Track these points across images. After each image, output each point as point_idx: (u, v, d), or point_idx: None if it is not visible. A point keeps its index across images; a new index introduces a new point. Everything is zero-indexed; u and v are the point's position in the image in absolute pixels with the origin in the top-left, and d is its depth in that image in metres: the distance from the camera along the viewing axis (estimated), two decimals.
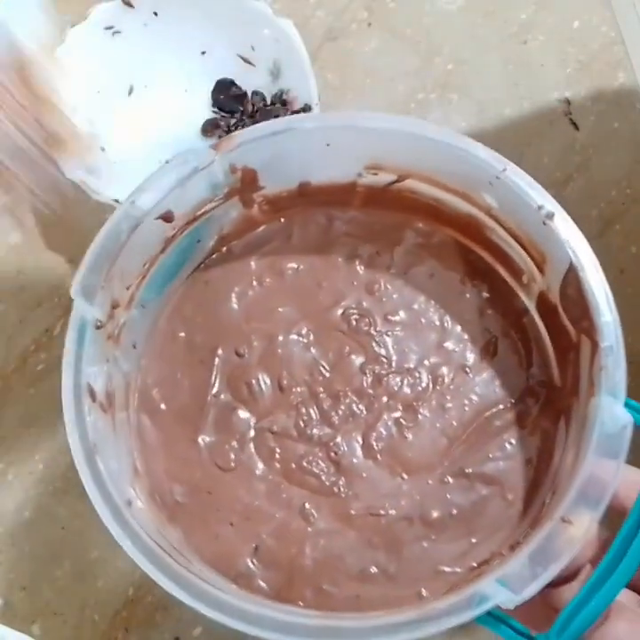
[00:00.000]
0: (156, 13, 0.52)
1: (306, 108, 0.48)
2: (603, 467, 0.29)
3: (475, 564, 0.33)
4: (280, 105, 0.50)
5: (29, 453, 0.45)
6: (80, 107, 0.51)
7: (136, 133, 0.52)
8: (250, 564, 0.34)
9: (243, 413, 0.36)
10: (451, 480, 0.34)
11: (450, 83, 0.53)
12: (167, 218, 0.35)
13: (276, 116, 0.49)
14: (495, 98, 0.52)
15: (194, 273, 0.39)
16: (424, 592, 0.33)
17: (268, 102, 0.51)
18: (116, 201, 0.45)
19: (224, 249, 0.39)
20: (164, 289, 0.38)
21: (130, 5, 0.52)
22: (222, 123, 0.51)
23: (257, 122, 0.36)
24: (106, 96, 0.52)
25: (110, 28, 0.52)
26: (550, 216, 0.32)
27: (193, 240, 0.37)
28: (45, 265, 0.50)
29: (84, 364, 0.32)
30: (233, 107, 0.51)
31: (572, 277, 0.32)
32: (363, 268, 0.38)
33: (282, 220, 0.39)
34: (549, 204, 0.33)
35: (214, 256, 0.39)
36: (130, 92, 0.53)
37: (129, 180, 0.47)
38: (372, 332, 0.37)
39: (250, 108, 0.51)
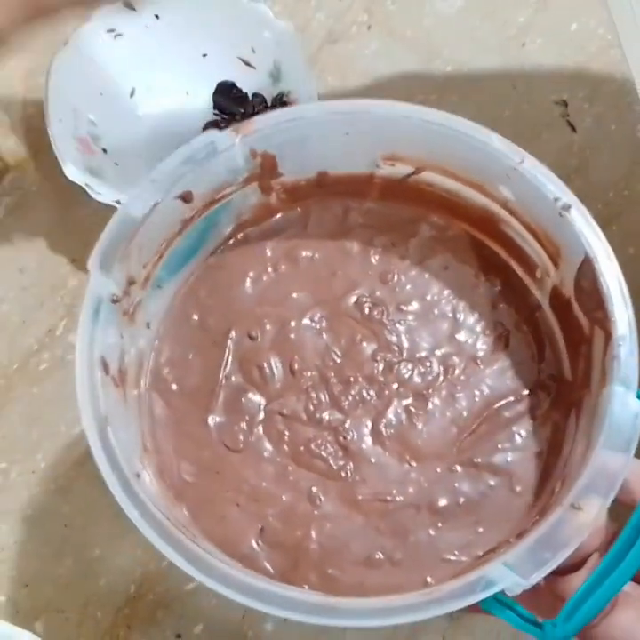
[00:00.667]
0: (157, 16, 0.53)
1: None
2: (613, 455, 0.29)
3: (480, 554, 0.33)
4: (281, 107, 0.50)
5: (32, 452, 0.45)
6: (82, 109, 0.51)
7: (138, 135, 0.52)
8: (255, 545, 0.34)
9: (253, 395, 0.36)
10: (459, 469, 0.34)
11: (449, 84, 0.53)
12: (186, 198, 0.35)
13: None
14: (493, 99, 0.52)
15: (210, 257, 0.39)
16: (429, 579, 0.33)
17: (269, 104, 0.51)
18: (118, 202, 0.46)
19: (240, 235, 0.39)
20: (180, 271, 0.38)
21: (131, 8, 0.53)
22: (223, 125, 0.51)
23: None
24: (108, 98, 0.52)
25: (112, 30, 0.53)
26: (567, 208, 0.33)
27: (210, 224, 0.38)
28: (48, 265, 0.50)
29: (98, 336, 0.32)
30: (234, 109, 0.51)
31: (587, 268, 0.32)
32: (377, 258, 0.39)
33: (298, 208, 0.39)
34: (566, 195, 0.33)
35: (231, 241, 0.39)
36: (131, 94, 0.53)
37: (130, 182, 0.48)
38: (385, 320, 0.37)
39: (250, 110, 0.51)
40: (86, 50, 0.52)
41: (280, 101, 0.50)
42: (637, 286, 0.48)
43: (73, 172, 0.47)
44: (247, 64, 0.51)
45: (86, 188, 0.47)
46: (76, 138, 0.50)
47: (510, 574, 0.28)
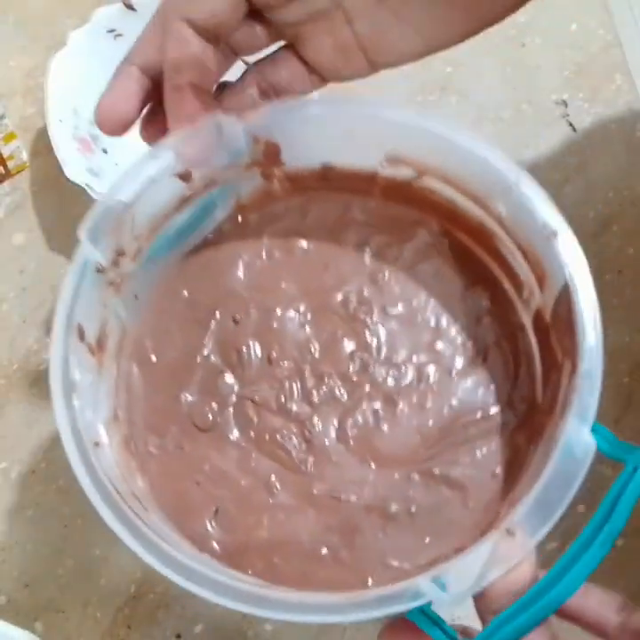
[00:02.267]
0: None
1: None
2: (558, 487, 0.29)
3: (423, 563, 0.33)
4: None
5: (32, 452, 0.45)
6: (82, 109, 0.52)
7: (138, 135, 0.53)
8: (208, 525, 0.35)
9: (228, 378, 0.37)
10: (417, 477, 0.35)
11: (449, 85, 0.53)
12: (185, 177, 0.36)
13: None
14: (493, 100, 0.52)
15: (206, 237, 0.39)
16: (370, 582, 0.33)
17: None
18: None
19: (239, 218, 0.40)
20: (176, 248, 0.39)
21: (131, 8, 0.53)
22: None
23: None
24: None
25: (112, 30, 0.53)
26: (554, 234, 0.32)
27: (209, 205, 0.38)
28: (47, 265, 0.50)
29: (78, 304, 0.33)
30: None
31: (564, 297, 0.32)
32: (370, 257, 0.39)
33: (300, 198, 0.40)
34: (555, 220, 0.32)
35: (229, 224, 0.40)
36: None
37: None
38: (368, 320, 0.37)
39: None
40: (86, 50, 0.52)
41: None
42: (637, 287, 0.48)
43: (73, 173, 0.48)
44: (247, 64, 0.51)
45: (86, 188, 0.47)
46: (76, 138, 0.51)
47: (435, 589, 0.28)
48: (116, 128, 0.34)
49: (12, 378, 0.47)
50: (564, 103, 0.52)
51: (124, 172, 0.34)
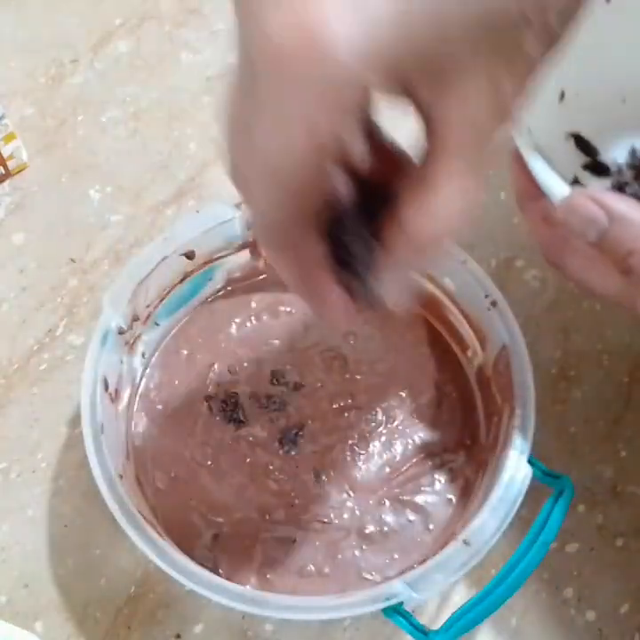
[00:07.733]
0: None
1: None
2: (503, 508, 0.36)
3: (392, 575, 0.40)
4: None
5: (32, 452, 0.46)
6: None
7: None
8: (208, 548, 0.40)
9: (226, 421, 0.43)
10: (387, 503, 0.42)
11: None
12: (189, 255, 0.43)
13: None
14: None
15: (203, 303, 0.46)
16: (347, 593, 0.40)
17: None
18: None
19: (230, 288, 0.47)
20: (176, 312, 0.45)
21: None
22: None
23: None
24: None
25: None
26: (494, 304, 0.41)
27: (206, 277, 0.45)
28: (47, 265, 0.50)
29: (103, 359, 0.39)
30: None
31: (503, 356, 0.40)
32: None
33: None
34: (494, 293, 0.41)
35: (222, 292, 0.47)
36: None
37: None
38: (344, 372, 0.45)
39: None
40: None
41: None
42: None
43: None
44: None
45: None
46: None
47: (408, 590, 0.35)
48: None
49: (12, 378, 0.47)
50: None
51: (142, 253, 0.41)
